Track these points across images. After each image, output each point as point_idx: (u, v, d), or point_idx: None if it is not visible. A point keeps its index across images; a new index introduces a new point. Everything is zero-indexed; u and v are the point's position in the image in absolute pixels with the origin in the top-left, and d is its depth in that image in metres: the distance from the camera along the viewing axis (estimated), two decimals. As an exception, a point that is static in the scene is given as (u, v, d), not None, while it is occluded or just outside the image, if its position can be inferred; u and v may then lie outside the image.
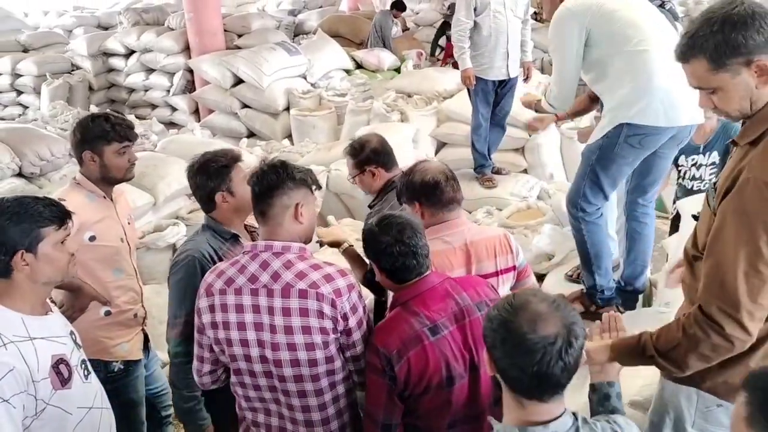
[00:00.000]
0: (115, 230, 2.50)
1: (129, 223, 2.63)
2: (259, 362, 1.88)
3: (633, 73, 2.74)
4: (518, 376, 1.32)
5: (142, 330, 2.66)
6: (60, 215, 1.80)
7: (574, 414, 1.38)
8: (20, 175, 4.74)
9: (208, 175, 2.25)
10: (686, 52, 1.57)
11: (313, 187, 1.97)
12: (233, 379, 1.97)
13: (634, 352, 1.69)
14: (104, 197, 2.49)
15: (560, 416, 1.35)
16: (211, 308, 1.90)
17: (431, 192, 2.22)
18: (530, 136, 5.28)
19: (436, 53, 8.95)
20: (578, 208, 2.92)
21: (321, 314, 1.83)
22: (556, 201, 4.48)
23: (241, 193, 2.23)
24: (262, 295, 1.85)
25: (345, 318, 1.86)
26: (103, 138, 2.43)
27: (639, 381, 2.29)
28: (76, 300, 2.35)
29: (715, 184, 1.69)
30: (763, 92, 1.55)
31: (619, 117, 2.76)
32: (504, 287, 2.29)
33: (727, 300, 1.52)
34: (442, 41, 8.81)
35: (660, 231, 5.00)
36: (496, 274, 2.26)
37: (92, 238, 2.41)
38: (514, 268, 2.32)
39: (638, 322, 2.63)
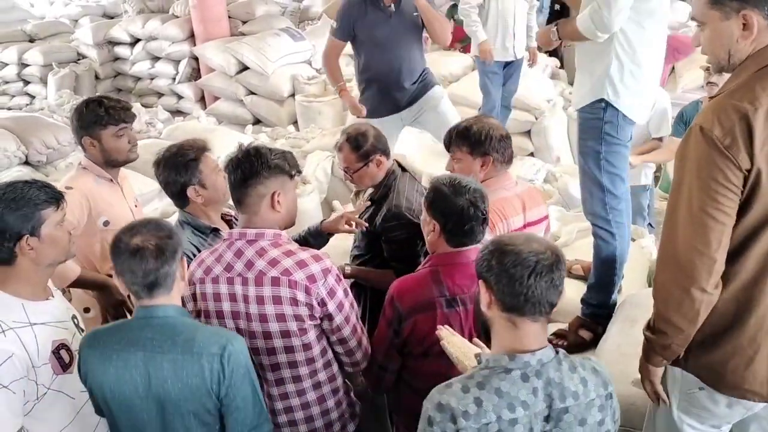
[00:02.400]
0: (125, 214, 2.51)
1: (136, 206, 2.64)
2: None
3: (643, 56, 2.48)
4: (514, 291, 1.43)
5: None
6: (55, 196, 1.81)
7: (555, 349, 1.49)
8: (27, 163, 4.77)
9: (177, 170, 2.21)
10: None
11: (293, 172, 1.93)
12: None
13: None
14: (111, 180, 2.50)
15: (545, 348, 1.47)
16: (193, 297, 1.92)
17: (506, 146, 2.39)
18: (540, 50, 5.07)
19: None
20: (608, 212, 2.59)
21: (295, 301, 1.82)
22: (562, 184, 4.46)
23: (213, 185, 2.22)
24: (238, 284, 1.85)
25: (322, 304, 1.85)
26: (98, 123, 2.44)
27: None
28: (106, 299, 2.36)
29: None
30: (741, 47, 1.58)
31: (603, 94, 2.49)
32: (541, 235, 2.48)
33: (681, 270, 1.61)
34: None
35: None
36: (540, 221, 2.49)
37: (106, 223, 2.43)
38: (546, 217, 2.58)
39: (647, 303, 2.62)
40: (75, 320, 1.93)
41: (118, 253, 1.66)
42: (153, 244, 1.64)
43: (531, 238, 1.50)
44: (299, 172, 1.98)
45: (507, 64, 4.88)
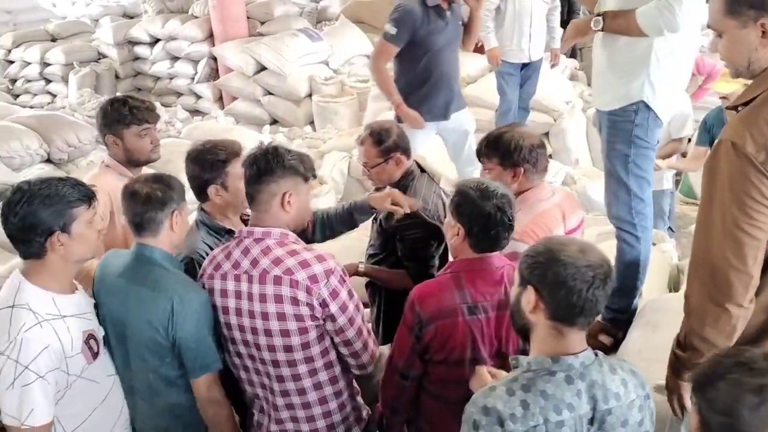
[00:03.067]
0: None
1: None
2: (243, 345, 1.93)
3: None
4: (568, 303, 1.42)
5: None
6: (88, 195, 1.84)
7: (595, 351, 1.49)
8: (48, 161, 4.82)
9: (203, 166, 2.21)
10: None
11: (308, 175, 1.93)
12: (232, 360, 2.03)
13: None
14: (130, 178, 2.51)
15: (586, 350, 1.47)
16: (210, 292, 1.96)
17: (538, 156, 2.31)
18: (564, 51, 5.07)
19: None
20: (633, 215, 2.57)
21: (295, 301, 1.82)
22: (581, 186, 4.43)
23: (235, 190, 2.19)
24: (243, 281, 1.87)
25: (324, 304, 1.84)
26: (121, 122, 2.46)
27: (663, 366, 2.25)
28: None
29: None
30: (762, 55, 1.55)
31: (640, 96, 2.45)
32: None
33: (716, 286, 1.58)
34: None
35: (689, 217, 4.92)
36: (578, 227, 2.45)
37: None
38: (583, 221, 2.50)
39: (668, 308, 2.59)
40: (95, 309, 1.99)
41: (122, 195, 2.02)
42: (144, 192, 1.96)
43: (583, 246, 1.48)
44: (314, 175, 1.97)
45: (524, 66, 4.85)
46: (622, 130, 2.49)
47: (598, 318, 2.75)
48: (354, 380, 2.11)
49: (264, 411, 2.03)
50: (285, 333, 1.86)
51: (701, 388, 1.28)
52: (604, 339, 2.70)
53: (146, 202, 1.96)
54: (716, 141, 1.60)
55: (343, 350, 1.95)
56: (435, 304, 1.87)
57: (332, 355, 1.96)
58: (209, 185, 2.21)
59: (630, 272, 2.66)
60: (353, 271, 2.61)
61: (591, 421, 1.43)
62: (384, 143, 2.56)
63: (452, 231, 1.96)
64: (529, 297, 1.47)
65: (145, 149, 2.51)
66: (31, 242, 1.77)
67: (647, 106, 2.44)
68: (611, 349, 2.66)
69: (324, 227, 2.59)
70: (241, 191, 2.05)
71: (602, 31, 2.47)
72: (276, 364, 1.90)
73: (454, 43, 3.85)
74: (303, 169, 1.92)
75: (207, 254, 2.14)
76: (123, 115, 2.45)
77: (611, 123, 2.53)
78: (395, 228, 2.53)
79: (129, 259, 2.01)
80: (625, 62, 2.45)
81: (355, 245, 3.10)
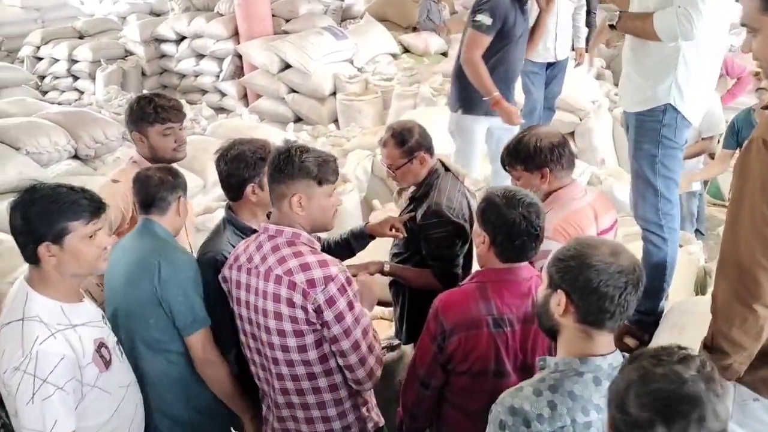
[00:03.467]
0: None
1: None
2: (252, 339, 1.96)
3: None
4: (600, 308, 1.40)
5: None
6: (92, 208, 1.76)
7: (623, 354, 1.47)
8: (76, 156, 4.89)
9: (246, 164, 2.18)
10: None
11: (322, 178, 1.88)
12: (245, 353, 2.05)
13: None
14: None
15: (614, 351, 1.46)
16: (224, 280, 2.03)
17: (561, 154, 2.27)
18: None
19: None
20: (660, 217, 2.54)
21: (291, 303, 1.82)
22: (606, 187, 4.38)
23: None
24: (253, 276, 1.90)
25: (319, 310, 1.81)
26: (145, 120, 2.48)
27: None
28: None
29: None
30: None
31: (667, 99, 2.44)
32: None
33: (744, 287, 1.55)
34: None
35: (717, 219, 4.84)
36: (612, 227, 2.40)
37: None
38: (616, 221, 2.46)
39: (695, 310, 2.54)
40: (104, 319, 1.96)
41: (134, 180, 2.18)
42: (158, 176, 2.16)
43: (614, 249, 1.45)
44: (330, 180, 1.91)
45: (550, 66, 4.80)
46: (649, 130, 2.45)
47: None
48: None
49: (269, 407, 2.04)
50: (281, 333, 1.85)
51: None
52: (630, 341, 2.66)
53: (159, 184, 2.15)
54: (748, 139, 1.57)
55: (339, 360, 1.90)
56: (459, 315, 1.82)
57: (332, 363, 1.91)
58: (248, 183, 2.19)
59: (656, 274, 2.62)
60: (379, 270, 2.60)
61: None
62: (407, 143, 2.54)
63: (478, 239, 1.91)
64: (559, 300, 1.45)
65: (168, 148, 2.52)
66: (25, 247, 1.72)
67: (675, 108, 2.41)
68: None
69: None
70: None
71: (615, 28, 2.45)
72: (276, 361, 1.90)
73: (524, 36, 3.89)
74: (318, 171, 1.87)
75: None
76: (147, 113, 2.48)
77: (638, 123, 2.50)
78: (420, 227, 2.52)
79: (134, 231, 2.21)
80: (652, 64, 2.42)
81: (380, 244, 3.09)
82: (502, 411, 1.42)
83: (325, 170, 1.89)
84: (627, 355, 1.46)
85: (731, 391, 1.74)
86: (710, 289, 3.22)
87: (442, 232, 2.48)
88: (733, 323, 1.60)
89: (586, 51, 5.40)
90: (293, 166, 1.86)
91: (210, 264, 2.14)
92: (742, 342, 1.61)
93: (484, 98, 3.73)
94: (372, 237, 2.65)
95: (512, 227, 1.82)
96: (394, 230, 2.55)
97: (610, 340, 1.46)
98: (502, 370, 1.83)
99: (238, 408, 2.22)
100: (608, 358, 1.44)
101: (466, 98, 3.88)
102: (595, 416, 1.40)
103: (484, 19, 3.61)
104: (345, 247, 2.64)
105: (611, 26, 2.48)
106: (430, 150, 2.60)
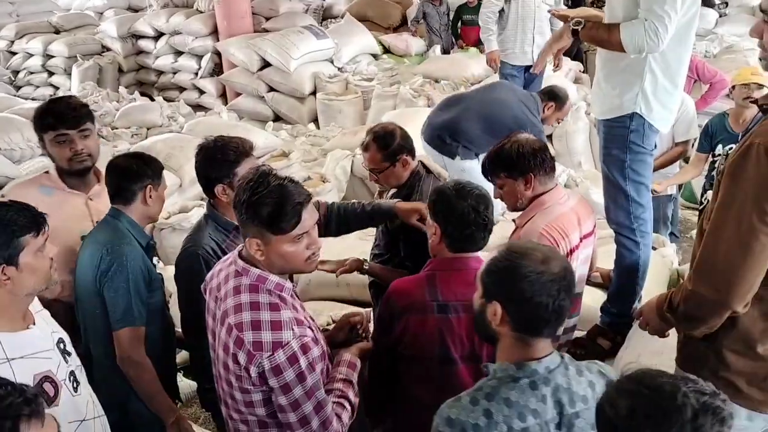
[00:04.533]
0: (78, 226, 2.31)
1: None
2: (215, 360, 1.79)
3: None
4: (535, 317, 1.42)
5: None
6: (36, 220, 1.66)
7: (560, 354, 1.49)
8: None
9: (211, 164, 2.14)
10: None
11: (285, 226, 1.64)
12: None
13: (662, 309, 1.75)
14: (65, 189, 2.32)
15: (551, 354, 1.47)
16: (204, 290, 1.89)
17: (543, 158, 2.28)
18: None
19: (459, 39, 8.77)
20: (632, 221, 2.54)
21: (236, 360, 1.64)
22: (583, 189, 4.41)
23: None
24: (219, 307, 1.74)
25: (262, 376, 1.62)
26: (38, 125, 2.27)
27: (663, 359, 2.25)
28: None
29: None
30: None
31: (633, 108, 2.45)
32: (589, 249, 2.46)
33: (717, 292, 1.55)
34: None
35: (691, 222, 4.91)
36: (592, 232, 2.43)
37: None
38: (596, 226, 2.47)
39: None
40: (61, 344, 1.78)
41: (105, 169, 2.21)
42: (122, 164, 2.18)
43: (545, 256, 1.45)
44: (286, 229, 1.63)
45: (527, 69, 4.85)
46: (617, 136, 2.47)
47: (597, 322, 2.75)
48: None
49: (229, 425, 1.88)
50: (229, 383, 1.70)
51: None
52: (603, 342, 2.69)
53: (121, 173, 2.16)
54: (745, 142, 1.54)
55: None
56: (407, 299, 1.90)
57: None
58: (216, 184, 2.16)
59: (629, 277, 2.65)
60: (358, 268, 2.60)
61: (558, 426, 1.42)
62: (389, 147, 2.53)
63: (430, 230, 1.97)
64: (494, 310, 1.46)
65: (63, 157, 2.26)
66: None
67: (641, 116, 2.42)
68: (610, 353, 2.65)
69: (340, 223, 2.49)
70: None
71: (577, 36, 2.43)
72: (230, 384, 1.74)
73: None
74: (269, 218, 1.62)
75: (213, 251, 2.13)
76: (40, 118, 2.27)
77: (607, 129, 2.52)
78: (400, 229, 2.52)
79: (101, 219, 2.24)
80: (619, 73, 2.43)
81: (356, 245, 3.09)
82: (440, 422, 1.42)
83: (279, 217, 1.62)
84: (567, 356, 1.49)
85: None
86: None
87: (421, 234, 2.48)
88: (700, 313, 1.64)
89: (570, 57, 5.45)
90: (244, 206, 1.64)
91: (192, 257, 2.12)
92: (708, 323, 1.64)
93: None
94: (396, 216, 2.48)
95: (461, 217, 1.88)
96: (418, 221, 2.37)
97: (547, 344, 1.47)
98: (449, 356, 1.87)
99: (159, 410, 2.19)
100: (544, 361, 1.44)
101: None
102: (532, 421, 1.40)
103: None
104: (365, 220, 2.51)
105: (574, 32, 2.43)
106: (411, 152, 2.60)
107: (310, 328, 1.72)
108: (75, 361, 1.81)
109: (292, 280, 1.91)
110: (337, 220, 2.49)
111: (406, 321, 1.88)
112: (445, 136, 3.82)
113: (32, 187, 2.32)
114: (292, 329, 1.64)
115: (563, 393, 1.43)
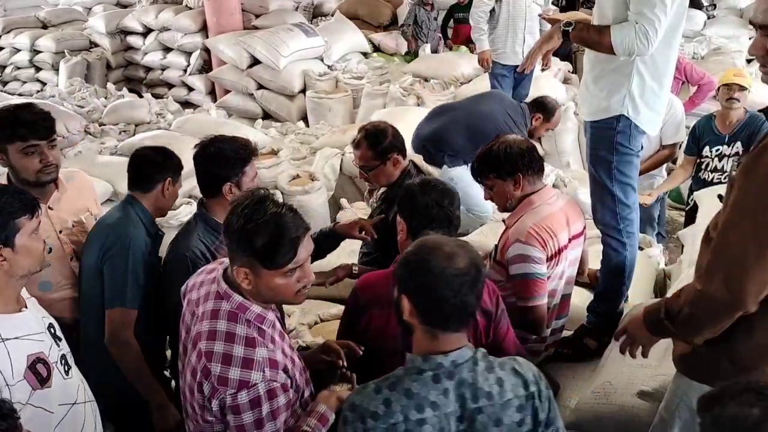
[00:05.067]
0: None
1: (74, 226, 2.38)
2: (182, 376, 1.75)
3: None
4: (439, 310, 1.46)
5: None
6: (30, 203, 1.71)
7: (475, 348, 1.53)
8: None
9: (225, 162, 2.12)
10: None
11: (281, 261, 1.58)
12: None
13: (655, 319, 1.72)
14: None
15: (461, 348, 1.49)
16: (183, 295, 1.84)
17: (531, 159, 2.31)
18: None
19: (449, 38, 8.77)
20: (619, 221, 2.55)
21: (201, 388, 1.59)
22: (572, 189, 4.43)
23: (247, 188, 2.12)
24: (194, 323, 1.68)
25: (222, 410, 1.57)
26: (2, 136, 2.15)
27: (647, 371, 2.26)
28: None
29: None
30: None
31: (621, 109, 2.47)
32: (578, 250, 2.48)
33: (728, 279, 1.52)
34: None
35: (677, 222, 4.95)
36: (581, 233, 2.45)
37: None
38: (585, 227, 2.50)
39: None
40: (52, 329, 1.81)
41: (129, 159, 2.34)
42: (147, 154, 2.33)
43: (452, 252, 1.48)
44: (281, 264, 1.57)
45: (516, 68, 4.87)
46: (604, 137, 2.49)
47: (584, 322, 2.77)
48: None
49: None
50: (192, 406, 1.65)
51: (709, 407, 1.28)
52: (589, 342, 2.70)
53: (147, 162, 2.29)
54: (760, 143, 1.53)
55: None
56: (373, 293, 1.93)
57: None
58: (225, 182, 2.13)
59: (615, 277, 2.67)
60: (348, 274, 2.60)
61: (460, 419, 1.46)
62: (381, 144, 2.54)
63: (399, 227, 2.02)
64: (404, 304, 1.50)
65: (31, 169, 2.17)
66: None
67: (628, 117, 2.44)
68: (596, 353, 2.66)
69: None
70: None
71: (567, 37, 2.44)
72: (193, 408, 1.69)
73: None
74: (264, 251, 1.54)
75: (202, 254, 2.11)
76: (8, 127, 2.15)
77: (593, 130, 2.54)
78: (390, 227, 2.53)
79: (116, 204, 2.39)
80: (606, 75, 2.44)
81: (344, 244, 3.08)
82: (346, 406, 1.48)
83: (274, 251, 1.54)
84: (481, 351, 1.52)
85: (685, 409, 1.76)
86: (669, 292, 3.30)
87: None
88: (708, 321, 1.60)
89: (559, 57, 5.44)
90: (237, 234, 1.56)
91: (180, 261, 2.11)
92: (708, 334, 1.61)
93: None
94: (342, 238, 2.63)
95: (425, 211, 1.93)
96: (363, 232, 2.54)
97: (458, 337, 1.50)
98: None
99: (145, 393, 2.23)
100: (451, 355, 1.47)
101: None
102: (430, 413, 1.44)
103: None
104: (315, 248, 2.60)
105: (565, 33, 2.44)
106: (402, 151, 2.61)
107: (284, 370, 1.62)
108: (65, 346, 1.85)
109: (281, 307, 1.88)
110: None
111: (370, 315, 1.91)
112: (430, 147, 3.90)
113: None
114: (263, 371, 1.56)
115: (467, 388, 1.46)
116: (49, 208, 2.28)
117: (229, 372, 1.54)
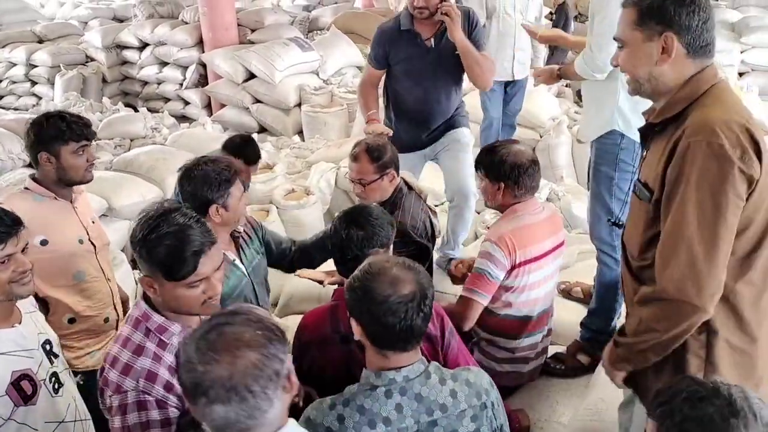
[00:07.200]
0: (72, 232, 2.41)
1: (93, 222, 2.55)
2: None
3: None
4: (386, 335, 1.49)
5: None
6: (6, 230, 1.68)
7: (428, 362, 1.56)
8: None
9: (210, 185, 2.13)
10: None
11: (178, 275, 1.59)
12: None
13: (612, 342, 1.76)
14: (55, 198, 2.38)
15: (413, 363, 1.53)
16: None
17: (520, 176, 2.34)
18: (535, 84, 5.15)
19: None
20: (614, 238, 2.59)
21: (101, 391, 1.62)
22: (565, 203, 4.46)
23: (235, 209, 2.17)
24: None
25: (109, 411, 1.59)
26: (59, 138, 2.31)
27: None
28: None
29: (639, 180, 1.69)
30: (662, 70, 1.58)
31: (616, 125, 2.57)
32: (559, 260, 2.53)
33: (688, 298, 1.51)
34: None
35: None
36: (560, 245, 2.50)
37: (44, 242, 2.30)
38: (565, 240, 2.54)
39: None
40: (47, 346, 1.82)
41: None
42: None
43: (396, 277, 1.50)
44: (181, 276, 1.55)
45: (508, 84, 4.90)
46: (607, 153, 2.55)
47: (577, 338, 2.78)
48: None
49: None
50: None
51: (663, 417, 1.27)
52: (582, 358, 2.72)
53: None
54: (674, 146, 1.55)
55: None
56: (311, 332, 1.94)
57: None
58: (211, 204, 2.13)
59: (609, 293, 2.69)
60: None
61: None
62: (381, 159, 2.56)
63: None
64: (354, 326, 1.55)
65: (81, 168, 2.36)
66: None
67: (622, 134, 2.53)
68: (589, 369, 2.67)
69: (302, 261, 2.63)
70: (241, 209, 2.11)
71: (560, 78, 2.83)
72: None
73: (441, 74, 3.26)
74: (164, 262, 1.54)
75: None
76: (61, 131, 2.31)
77: (598, 146, 2.61)
78: None
79: None
80: (595, 94, 2.58)
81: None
82: (301, 421, 1.50)
83: (173, 264, 1.54)
84: (434, 364, 1.55)
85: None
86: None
87: (404, 252, 2.50)
88: (670, 331, 1.57)
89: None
90: (139, 244, 1.56)
91: None
92: (673, 343, 1.59)
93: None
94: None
95: (342, 243, 1.95)
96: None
97: (408, 355, 1.53)
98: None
99: None
100: (403, 371, 1.51)
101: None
102: (382, 428, 1.47)
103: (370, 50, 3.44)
104: (309, 256, 2.63)
105: (558, 74, 2.79)
106: (397, 168, 2.64)
107: (167, 387, 1.57)
108: (61, 364, 1.84)
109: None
110: (300, 258, 2.58)
111: (312, 355, 1.91)
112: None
113: (24, 201, 2.33)
114: (137, 380, 1.55)
115: (420, 402, 1.50)
116: (75, 206, 2.46)
117: (109, 374, 1.58)
